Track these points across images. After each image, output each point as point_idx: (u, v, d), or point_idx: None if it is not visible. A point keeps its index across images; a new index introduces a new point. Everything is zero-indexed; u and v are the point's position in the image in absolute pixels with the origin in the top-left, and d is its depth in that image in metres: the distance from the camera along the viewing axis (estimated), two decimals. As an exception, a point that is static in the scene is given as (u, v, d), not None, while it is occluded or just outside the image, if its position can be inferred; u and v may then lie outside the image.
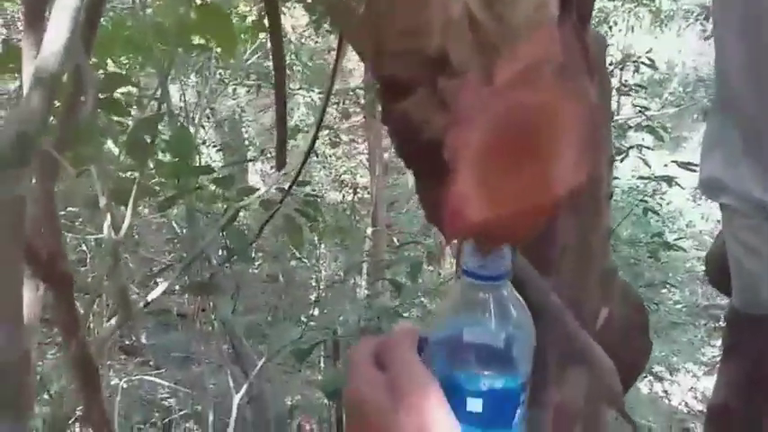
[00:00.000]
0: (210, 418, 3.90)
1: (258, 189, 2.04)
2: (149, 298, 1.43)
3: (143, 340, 4.29)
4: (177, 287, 1.57)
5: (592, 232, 1.09)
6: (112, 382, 3.05)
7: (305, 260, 5.91)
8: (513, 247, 0.49)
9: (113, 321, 1.44)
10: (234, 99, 6.31)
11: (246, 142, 6.52)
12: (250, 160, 5.21)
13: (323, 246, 6.16)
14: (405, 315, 3.40)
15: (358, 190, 7.89)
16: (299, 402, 5.10)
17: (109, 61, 2.21)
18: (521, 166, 0.40)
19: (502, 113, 0.38)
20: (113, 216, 1.28)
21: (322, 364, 5.37)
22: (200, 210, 2.41)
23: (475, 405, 0.47)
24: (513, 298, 0.48)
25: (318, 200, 2.37)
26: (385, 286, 5.86)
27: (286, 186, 2.06)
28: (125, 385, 3.07)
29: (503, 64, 0.37)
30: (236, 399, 2.54)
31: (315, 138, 1.72)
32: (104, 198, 1.24)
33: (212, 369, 3.76)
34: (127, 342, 4.08)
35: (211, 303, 2.80)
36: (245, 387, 2.52)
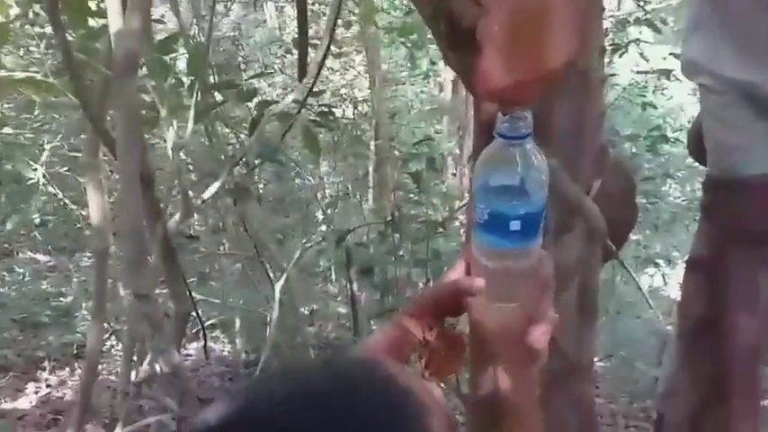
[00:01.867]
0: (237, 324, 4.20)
1: (276, 101, 2.17)
2: (204, 196, 1.61)
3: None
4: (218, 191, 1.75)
5: (584, 115, 1.25)
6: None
7: (309, 178, 6.03)
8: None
9: (177, 217, 1.63)
10: (228, 16, 6.24)
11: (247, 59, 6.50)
12: (266, 74, 5.24)
13: (325, 163, 6.28)
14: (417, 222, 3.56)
15: (357, 104, 7.83)
16: (316, 310, 5.40)
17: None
18: (528, 44, 0.57)
19: (514, 7, 0.55)
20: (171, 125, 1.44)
21: (333, 276, 5.64)
22: (228, 124, 2.56)
23: (515, 225, 0.67)
24: (534, 149, 0.67)
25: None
26: (389, 200, 6.04)
27: (300, 98, 2.19)
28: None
29: None
30: (278, 288, 2.75)
31: (327, 50, 1.84)
32: (164, 110, 1.39)
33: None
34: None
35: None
36: (279, 284, 2.73)
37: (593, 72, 1.32)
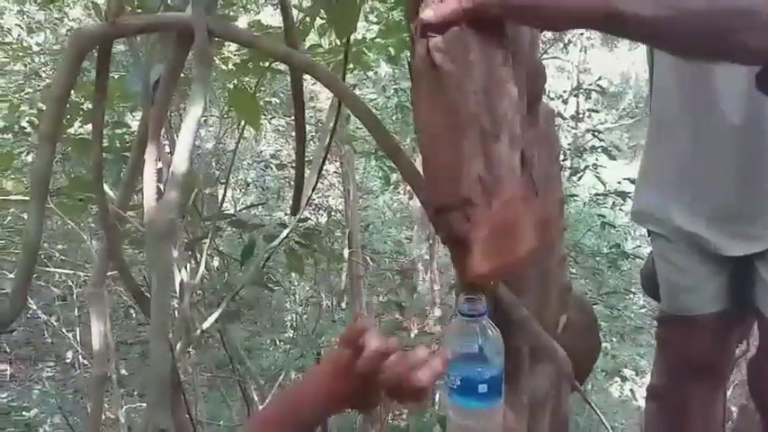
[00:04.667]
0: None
1: (264, 225, 2.32)
2: (204, 326, 1.70)
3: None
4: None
5: (549, 261, 1.41)
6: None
7: (280, 284, 6.09)
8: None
9: (178, 347, 1.71)
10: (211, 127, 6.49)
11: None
12: (262, 203, 5.45)
13: (299, 287, 6.38)
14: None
15: (331, 213, 8.00)
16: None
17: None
18: (504, 244, 0.75)
19: (494, 221, 0.73)
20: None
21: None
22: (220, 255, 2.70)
23: (483, 388, 0.83)
24: (489, 325, 0.84)
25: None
26: (362, 306, 6.11)
27: (285, 220, 2.34)
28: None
29: (495, 200, 0.73)
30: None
31: (316, 183, 2.02)
32: (176, 252, 1.51)
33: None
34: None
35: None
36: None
37: (555, 221, 1.52)
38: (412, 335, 4.62)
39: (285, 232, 1.96)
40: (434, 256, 7.23)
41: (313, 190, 2.03)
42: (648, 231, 1.59)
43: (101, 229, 1.51)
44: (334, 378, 0.77)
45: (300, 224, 2.85)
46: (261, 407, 2.69)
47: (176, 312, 1.69)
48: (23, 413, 4.62)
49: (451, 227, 0.75)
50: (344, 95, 1.28)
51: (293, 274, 6.29)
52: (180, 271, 1.50)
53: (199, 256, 1.61)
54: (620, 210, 6.80)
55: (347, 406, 0.80)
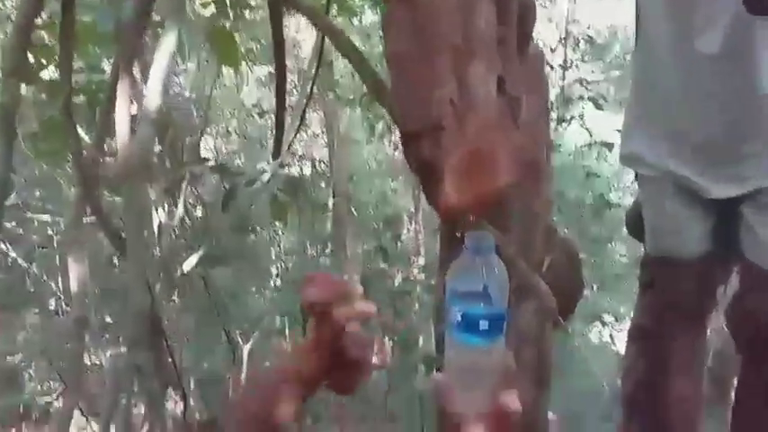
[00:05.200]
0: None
1: (244, 173, 2.27)
2: (185, 268, 1.68)
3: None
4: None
5: (534, 203, 1.40)
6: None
7: (264, 235, 6.05)
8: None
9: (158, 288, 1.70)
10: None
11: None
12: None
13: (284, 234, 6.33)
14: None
15: (315, 163, 7.92)
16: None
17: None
18: (477, 173, 0.72)
19: (468, 149, 0.70)
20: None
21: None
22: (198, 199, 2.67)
23: (484, 324, 0.77)
24: (496, 263, 0.76)
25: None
26: (346, 256, 6.12)
27: (266, 167, 2.30)
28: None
29: (468, 125, 0.70)
30: (246, 350, 2.73)
31: (299, 128, 1.97)
32: (153, 192, 1.47)
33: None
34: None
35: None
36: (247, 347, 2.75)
37: (542, 164, 1.49)
38: (396, 282, 4.64)
39: (266, 177, 1.91)
40: (419, 207, 7.23)
41: (295, 135, 1.99)
42: (636, 175, 1.58)
43: (75, 172, 1.47)
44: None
45: (284, 172, 2.81)
46: (245, 350, 2.70)
47: (157, 251, 1.65)
48: (7, 357, 4.63)
49: (421, 154, 0.71)
50: (327, 29, 1.23)
51: (278, 224, 6.28)
52: (157, 211, 1.46)
53: (179, 200, 1.56)
54: (605, 161, 6.82)
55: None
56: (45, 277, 4.89)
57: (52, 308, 5.65)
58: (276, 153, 1.64)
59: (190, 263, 1.62)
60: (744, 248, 1.41)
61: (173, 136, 1.98)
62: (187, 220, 2.47)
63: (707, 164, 1.41)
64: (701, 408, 1.56)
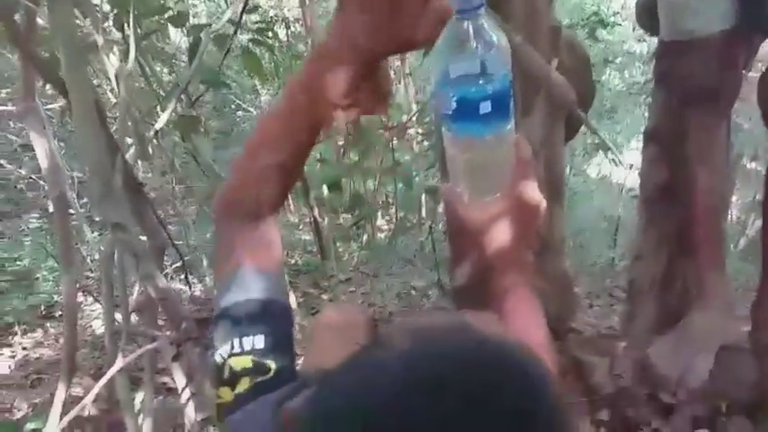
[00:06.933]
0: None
1: (209, 24, 2.06)
2: (156, 127, 1.53)
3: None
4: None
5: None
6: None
7: (250, 109, 5.83)
8: None
9: (132, 151, 1.57)
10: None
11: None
12: None
13: (265, 91, 6.06)
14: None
15: (289, 24, 7.51)
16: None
17: None
18: None
19: None
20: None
21: (291, 207, 5.62)
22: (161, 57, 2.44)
23: (485, 107, 0.63)
24: (491, 26, 0.61)
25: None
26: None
27: (235, 18, 2.08)
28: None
29: None
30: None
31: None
32: (100, 38, 1.28)
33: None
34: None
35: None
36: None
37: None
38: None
39: (226, 14, 1.70)
40: (406, 60, 6.91)
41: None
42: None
43: (12, 42, 1.28)
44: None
45: (255, 23, 2.57)
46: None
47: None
48: (17, 263, 4.65)
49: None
50: None
51: (263, 97, 6.01)
52: (108, 58, 1.29)
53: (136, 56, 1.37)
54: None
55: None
56: (33, 176, 4.78)
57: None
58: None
59: (162, 120, 1.47)
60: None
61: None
62: (153, 79, 2.26)
63: None
64: (726, 200, 1.49)
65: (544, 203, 0.69)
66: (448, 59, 0.63)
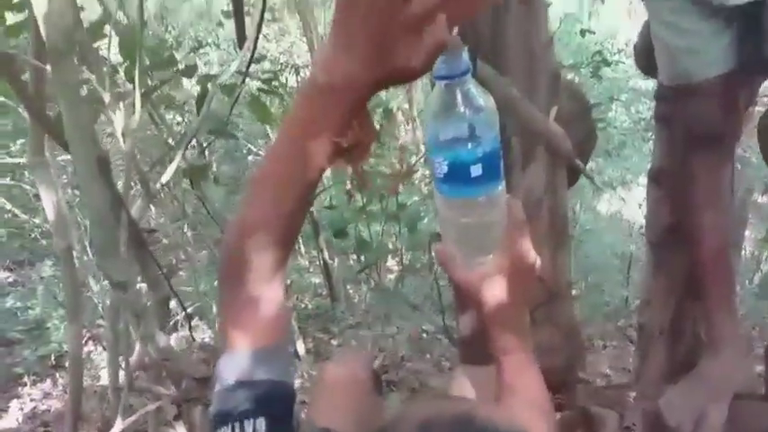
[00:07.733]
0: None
1: (217, 75, 2.11)
2: (163, 180, 1.56)
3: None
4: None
5: (533, 38, 1.24)
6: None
7: (261, 154, 5.92)
8: (473, 55, 0.65)
9: (138, 203, 1.59)
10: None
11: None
12: (200, 47, 5.01)
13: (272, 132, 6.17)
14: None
15: (299, 70, 7.64)
16: (291, 284, 5.40)
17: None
18: None
19: None
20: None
21: (302, 249, 5.63)
22: (171, 106, 2.50)
23: (476, 170, 0.65)
24: (478, 90, 0.63)
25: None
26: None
27: (243, 68, 2.13)
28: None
29: None
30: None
31: (263, 12, 1.78)
32: (107, 95, 1.32)
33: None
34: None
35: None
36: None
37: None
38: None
39: (233, 65, 1.75)
40: (414, 102, 7.00)
41: (261, 18, 1.80)
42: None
43: (21, 100, 1.31)
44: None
45: (259, 67, 2.63)
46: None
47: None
48: (29, 312, 4.66)
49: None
50: None
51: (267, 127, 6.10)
52: (114, 113, 1.32)
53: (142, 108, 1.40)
54: (597, 20, 6.50)
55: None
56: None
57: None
58: (241, 40, 1.47)
59: (169, 171, 1.49)
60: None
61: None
62: (158, 120, 2.28)
63: None
64: (733, 240, 1.47)
65: (539, 262, 0.70)
66: (437, 124, 0.65)
